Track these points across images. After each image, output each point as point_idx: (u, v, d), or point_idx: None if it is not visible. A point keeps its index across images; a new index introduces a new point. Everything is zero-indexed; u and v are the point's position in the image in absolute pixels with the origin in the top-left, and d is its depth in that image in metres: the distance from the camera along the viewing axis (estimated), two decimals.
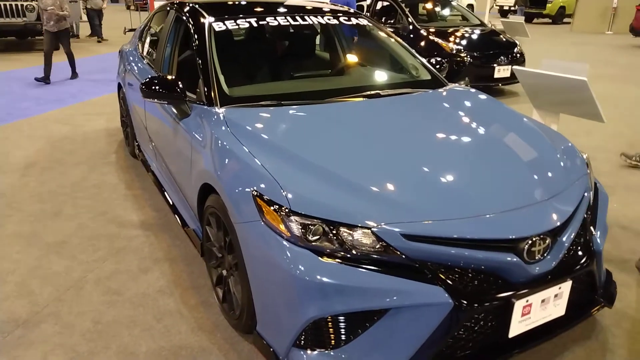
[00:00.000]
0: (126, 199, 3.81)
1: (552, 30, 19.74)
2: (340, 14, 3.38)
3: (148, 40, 4.04)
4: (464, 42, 7.59)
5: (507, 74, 7.29)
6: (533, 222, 1.85)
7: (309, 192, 1.86)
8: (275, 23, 3.11)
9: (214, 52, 2.81)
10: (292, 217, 1.79)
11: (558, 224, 1.89)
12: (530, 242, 1.81)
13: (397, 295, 1.70)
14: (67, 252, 3.06)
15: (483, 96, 2.88)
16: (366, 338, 1.75)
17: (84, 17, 14.48)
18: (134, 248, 3.10)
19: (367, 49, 3.39)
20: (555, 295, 1.91)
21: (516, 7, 23.66)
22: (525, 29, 8.65)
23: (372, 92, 2.78)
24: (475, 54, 7.39)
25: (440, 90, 2.94)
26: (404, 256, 1.73)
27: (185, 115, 2.70)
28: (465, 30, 7.97)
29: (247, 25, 3.05)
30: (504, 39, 7.90)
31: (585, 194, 2.14)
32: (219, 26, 2.98)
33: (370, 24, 3.44)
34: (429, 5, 8.99)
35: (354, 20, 3.38)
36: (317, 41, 3.58)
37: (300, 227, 1.78)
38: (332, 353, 1.78)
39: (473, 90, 3.01)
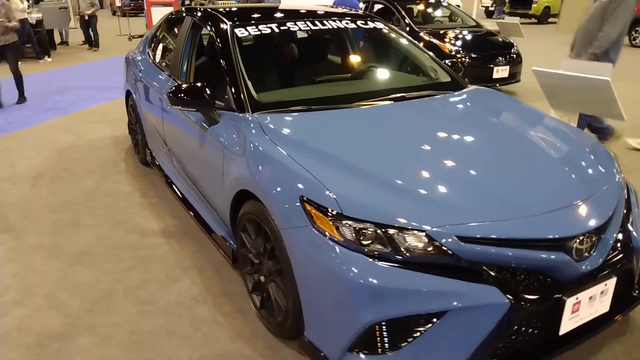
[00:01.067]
0: (143, 207, 3.78)
1: (538, 30, 20.00)
2: (357, 18, 3.41)
3: (161, 47, 4.01)
4: (461, 43, 7.67)
5: (506, 74, 7.38)
6: (580, 221, 1.89)
7: (359, 196, 1.87)
8: (296, 28, 3.12)
9: (239, 58, 2.81)
10: (345, 222, 1.80)
11: (603, 221, 1.93)
12: (578, 240, 1.84)
13: (455, 297, 1.71)
14: (91, 262, 3.03)
15: (506, 97, 2.92)
16: (423, 340, 1.76)
17: (73, 24, 14.31)
18: (160, 257, 3.08)
19: (385, 51, 3.41)
20: (602, 292, 1.94)
21: (494, 7, 23.70)
22: (520, 29, 8.77)
23: (398, 95, 2.79)
24: (473, 55, 7.46)
25: (463, 91, 2.97)
26: (459, 258, 1.74)
27: (213, 122, 2.69)
28: (462, 32, 8.05)
29: (268, 30, 3.05)
30: (501, 40, 7.99)
31: (622, 192, 2.18)
32: (241, 32, 2.99)
33: (386, 27, 3.46)
34: (423, 8, 9.07)
35: (370, 24, 3.40)
36: (336, 45, 3.59)
37: (353, 231, 1.79)
38: (389, 355, 1.78)
39: (495, 91, 3.04)
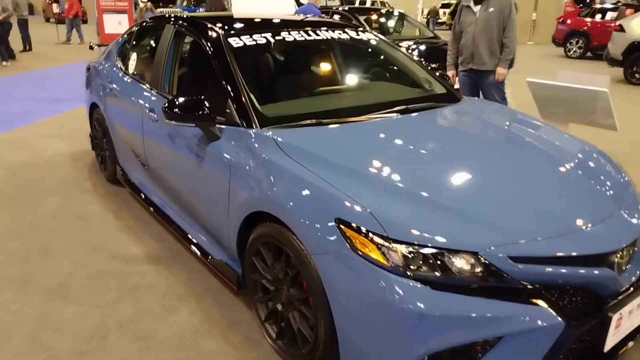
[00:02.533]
0: (120, 230, 3.48)
1: None
2: (348, 28, 3.32)
3: (134, 57, 3.74)
4: (421, 53, 7.78)
5: None
6: (620, 233, 1.87)
7: (403, 218, 1.76)
8: (291, 38, 2.98)
9: (237, 70, 2.64)
10: (392, 245, 1.68)
11: (639, 232, 1.92)
12: (619, 254, 1.82)
13: (511, 321, 1.63)
14: (72, 295, 2.73)
15: (506, 108, 2.92)
16: None
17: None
18: (149, 285, 2.83)
19: (379, 62, 3.34)
20: (638, 305, 1.92)
21: (429, 18, 24.48)
22: None
23: (402, 107, 2.71)
24: (432, 65, 7.58)
25: (463, 103, 2.93)
26: (511, 279, 1.67)
27: (214, 138, 2.50)
28: (421, 42, 8.18)
29: (264, 40, 2.90)
30: None
31: (638, 199, 2.20)
32: (236, 42, 2.81)
33: (378, 38, 3.40)
34: (382, 19, 9.17)
35: (362, 35, 3.32)
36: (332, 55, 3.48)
37: (402, 255, 1.67)
38: None
39: (492, 102, 3.04)
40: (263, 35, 2.92)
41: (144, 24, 3.89)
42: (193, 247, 2.88)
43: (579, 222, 1.85)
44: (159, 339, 2.39)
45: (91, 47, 4.84)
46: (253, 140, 2.30)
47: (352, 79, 3.31)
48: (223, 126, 2.51)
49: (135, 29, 3.93)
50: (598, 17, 14.62)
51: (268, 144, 2.24)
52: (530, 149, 2.41)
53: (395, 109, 2.69)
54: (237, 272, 2.51)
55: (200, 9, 19.42)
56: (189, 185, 2.79)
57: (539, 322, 1.64)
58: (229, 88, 2.56)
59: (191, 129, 2.65)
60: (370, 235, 1.72)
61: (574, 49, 14.88)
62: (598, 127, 3.02)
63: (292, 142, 2.21)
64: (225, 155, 2.40)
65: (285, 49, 3.21)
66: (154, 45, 3.69)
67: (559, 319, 1.66)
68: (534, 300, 1.67)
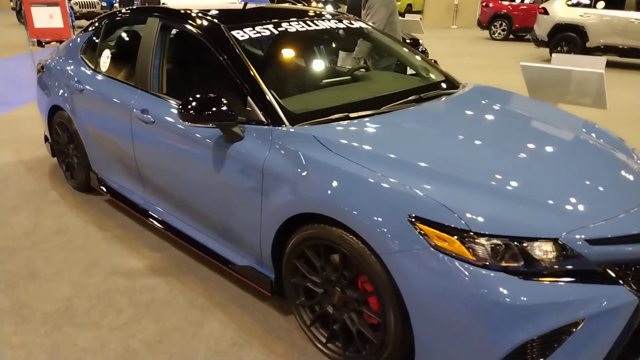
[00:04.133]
0: (109, 242, 3.21)
1: (403, 25, 21.36)
2: (343, 18, 3.24)
3: (107, 53, 3.42)
4: None
5: None
6: None
7: (480, 209, 1.74)
8: (293, 29, 2.86)
9: (249, 65, 2.49)
10: (477, 239, 1.66)
11: None
12: None
13: (593, 303, 1.67)
14: (82, 320, 2.48)
15: (512, 93, 2.99)
16: (561, 352, 1.70)
17: None
18: (165, 299, 2.63)
19: (379, 52, 3.30)
20: None
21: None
22: (420, 26, 9.25)
23: (416, 97, 2.69)
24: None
25: (473, 89, 2.96)
26: (589, 262, 1.71)
27: (236, 139, 2.34)
28: None
29: (267, 32, 2.76)
30: (409, 37, 8.32)
31: None
32: (241, 35, 2.65)
33: (371, 27, 3.35)
34: (320, 4, 9.13)
35: (355, 24, 3.26)
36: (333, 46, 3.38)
37: (486, 248, 1.66)
38: None
39: (495, 88, 3.10)
40: (265, 27, 2.78)
41: (113, 17, 3.57)
42: (202, 253, 2.71)
43: (631, 201, 1.93)
44: (197, 356, 2.24)
45: (40, 44, 4.38)
46: (289, 138, 2.18)
47: (350, 69, 3.24)
48: (244, 125, 2.36)
49: (103, 22, 3.60)
50: (518, 0, 15.45)
51: (308, 142, 2.13)
52: (560, 133, 2.49)
53: (410, 98, 2.66)
54: (269, 277, 2.39)
55: (114, 2, 18.41)
56: (202, 189, 2.61)
57: (617, 301, 1.69)
58: (246, 84, 2.41)
59: (204, 130, 2.48)
60: (451, 229, 1.69)
61: (498, 32, 15.65)
62: (587, 107, 3.21)
63: (333, 139, 2.12)
64: (253, 156, 2.26)
65: (289, 41, 3.08)
66: (132, 40, 3.41)
67: (633, 296, 1.72)
68: (610, 280, 1.72)
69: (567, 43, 10.69)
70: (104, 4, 18.85)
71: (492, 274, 1.64)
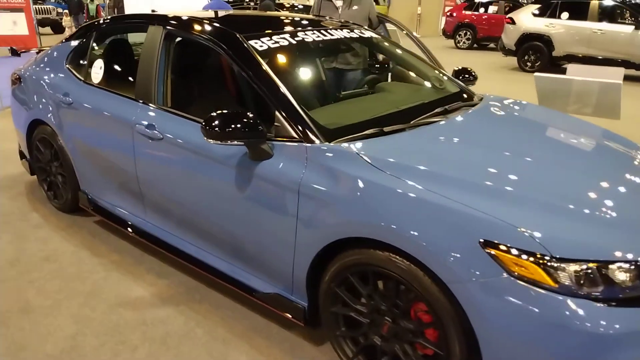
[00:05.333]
0: (107, 269, 2.94)
1: None
2: (356, 28, 3.12)
3: (100, 63, 3.16)
4: None
5: None
6: None
7: (556, 232, 1.64)
8: (310, 39, 2.71)
9: (275, 77, 2.32)
10: (558, 264, 1.55)
11: None
12: None
13: None
14: (92, 359, 2.23)
15: (538, 105, 2.96)
16: None
17: None
18: (181, 332, 2.41)
19: (394, 62, 3.18)
20: None
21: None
22: (397, 35, 9.25)
23: (441, 109, 2.59)
24: None
25: (494, 101, 2.89)
26: None
27: (264, 157, 2.16)
28: None
29: (286, 42, 2.59)
30: None
31: None
32: (260, 45, 2.48)
33: (380, 37, 3.24)
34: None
35: (367, 34, 3.14)
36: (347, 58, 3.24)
37: (568, 274, 1.55)
38: None
39: (515, 100, 3.05)
40: (282, 36, 2.62)
41: (105, 25, 3.31)
42: (219, 280, 2.51)
43: None
44: None
45: (16, 53, 4.02)
46: (329, 156, 2.02)
47: (374, 80, 3.12)
48: (272, 142, 2.19)
49: (93, 30, 3.33)
50: (481, 10, 15.83)
51: (353, 161, 1.98)
52: (594, 147, 2.45)
53: (436, 110, 2.55)
54: (301, 306, 2.22)
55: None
56: (221, 212, 2.40)
57: None
58: (274, 98, 2.24)
59: (225, 148, 2.28)
60: (528, 254, 1.57)
61: (463, 41, 15.97)
62: (600, 117, 3.21)
63: (380, 157, 1.97)
64: (286, 176, 2.09)
65: (307, 51, 2.92)
66: (126, 49, 3.17)
67: None
68: None
69: (534, 52, 10.99)
70: (60, 9, 18.12)
71: (575, 302, 1.54)
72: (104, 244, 3.22)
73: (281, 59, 2.54)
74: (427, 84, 3.05)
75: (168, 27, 2.75)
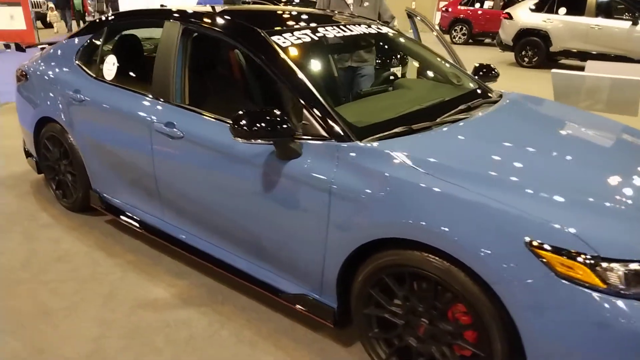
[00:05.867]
0: (123, 269, 2.89)
1: None
2: (373, 23, 3.08)
3: (112, 59, 3.08)
4: None
5: None
6: None
7: (601, 232, 1.62)
8: (331, 35, 2.67)
9: (300, 74, 2.28)
10: (607, 265, 1.54)
11: None
12: None
13: None
14: None
15: (560, 103, 2.95)
16: None
17: None
18: (205, 334, 2.36)
19: (410, 58, 3.15)
20: None
21: None
22: None
23: (464, 106, 2.56)
24: None
25: (515, 98, 2.86)
26: None
27: (293, 155, 2.12)
28: None
29: (308, 39, 2.55)
30: None
31: None
32: (282, 41, 2.43)
33: (399, 33, 3.20)
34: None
35: (383, 29, 3.10)
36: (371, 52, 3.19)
37: (617, 274, 1.54)
38: None
39: (536, 96, 3.03)
40: (303, 32, 2.57)
41: (117, 20, 3.23)
42: (241, 280, 2.47)
43: None
44: None
45: (21, 48, 3.93)
46: (363, 156, 1.99)
47: (391, 77, 3.08)
48: (301, 141, 2.15)
49: (105, 25, 3.25)
50: (477, 5, 15.83)
51: (388, 160, 1.94)
52: (622, 144, 2.44)
53: (459, 108, 2.52)
54: (331, 307, 2.19)
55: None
56: (245, 211, 2.36)
57: None
58: (301, 96, 2.19)
59: (250, 146, 2.24)
60: (575, 255, 1.55)
61: (459, 36, 15.96)
62: (617, 114, 3.21)
63: (417, 155, 1.94)
64: (317, 175, 2.05)
65: (329, 48, 2.87)
66: (138, 46, 3.11)
67: None
68: None
69: (531, 47, 11.01)
70: (50, 4, 17.85)
71: (625, 303, 1.52)
72: (118, 243, 3.16)
73: (304, 55, 2.49)
74: (446, 81, 3.02)
75: (186, 23, 2.69)
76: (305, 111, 2.16)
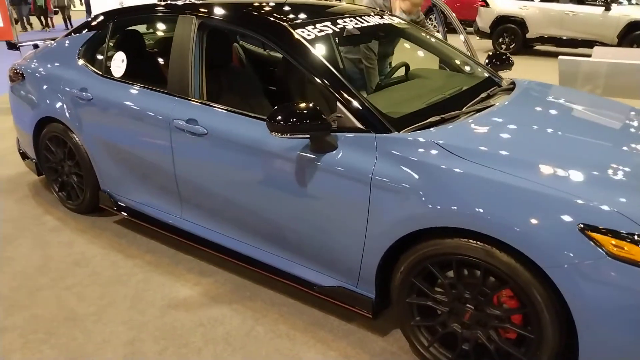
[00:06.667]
0: (144, 270, 2.84)
1: None
2: (383, 14, 3.09)
3: (121, 56, 3.00)
4: None
5: None
6: None
7: None
8: (350, 26, 2.67)
9: (329, 67, 2.27)
10: None
11: None
12: None
13: None
14: None
15: (571, 89, 3.02)
16: None
17: None
18: (242, 331, 2.36)
19: (421, 49, 3.16)
20: None
21: None
22: None
23: (485, 94, 2.61)
24: None
25: (531, 85, 2.92)
26: None
27: (328, 149, 2.12)
28: None
29: (330, 30, 2.54)
30: None
31: None
32: (307, 34, 2.42)
33: (410, 24, 3.22)
34: None
35: (394, 20, 3.12)
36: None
37: None
38: None
39: (541, 82, 3.09)
40: (324, 24, 2.57)
41: (123, 16, 3.14)
42: (271, 275, 2.47)
43: None
44: None
45: (15, 47, 3.76)
46: (403, 147, 2.00)
47: (405, 67, 3.10)
48: (336, 134, 2.15)
49: (108, 22, 3.16)
50: None
51: (430, 150, 1.96)
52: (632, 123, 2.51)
53: (481, 96, 2.57)
54: (369, 297, 2.21)
55: None
56: (278, 206, 2.35)
57: None
58: (334, 89, 2.19)
59: (282, 140, 2.23)
60: (628, 236, 1.61)
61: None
62: (624, 98, 3.30)
63: (459, 144, 1.97)
64: (356, 168, 2.06)
65: (350, 39, 2.86)
66: (141, 41, 3.04)
67: None
68: None
69: (508, 34, 11.20)
70: None
71: None
72: (133, 244, 3.11)
73: (329, 47, 2.49)
74: (458, 70, 3.06)
75: (203, 17, 2.64)
76: (339, 104, 2.16)
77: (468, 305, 1.96)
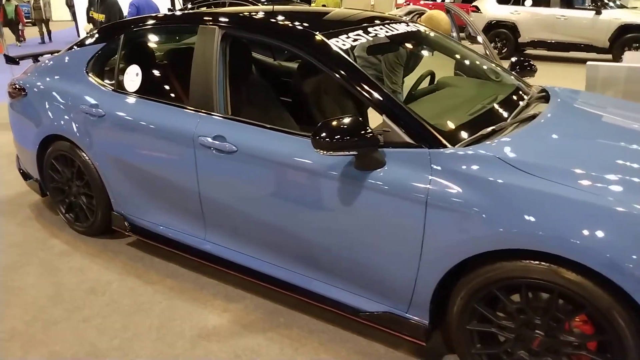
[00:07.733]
0: (167, 297, 2.66)
1: None
2: (410, 22, 2.97)
3: (135, 70, 2.83)
4: None
5: None
6: None
7: None
8: (382, 35, 2.54)
9: (371, 78, 2.14)
10: None
11: None
12: None
13: None
14: None
15: (606, 96, 2.93)
16: None
17: None
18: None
19: (449, 57, 3.05)
20: None
21: None
22: None
23: (524, 103, 2.50)
24: None
25: (566, 93, 2.82)
26: None
27: (376, 166, 1.98)
28: None
29: (364, 40, 2.41)
30: None
31: None
32: (342, 44, 2.29)
33: (429, 30, 3.11)
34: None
35: (419, 27, 3.00)
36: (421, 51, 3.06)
37: None
38: None
39: (572, 89, 3.00)
40: (356, 33, 2.44)
41: (136, 27, 2.96)
42: (309, 301, 2.31)
43: None
44: None
45: (14, 61, 3.55)
46: (462, 162, 1.87)
47: (431, 75, 2.98)
48: (383, 149, 2.01)
49: (118, 35, 2.97)
50: (438, 0, 16.03)
51: (491, 165, 1.83)
52: None
53: (521, 105, 2.46)
54: (421, 324, 2.06)
55: None
56: (320, 227, 2.20)
57: None
58: (379, 102, 2.06)
59: (323, 158, 2.08)
60: None
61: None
62: None
63: (519, 158, 1.85)
64: (408, 187, 1.91)
65: (382, 48, 2.73)
66: (151, 53, 2.87)
67: None
68: None
69: (500, 39, 11.23)
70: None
71: None
72: (151, 268, 2.92)
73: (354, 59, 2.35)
74: (485, 77, 2.95)
75: (227, 28, 2.49)
76: (386, 117, 2.03)
77: (537, 331, 1.82)
